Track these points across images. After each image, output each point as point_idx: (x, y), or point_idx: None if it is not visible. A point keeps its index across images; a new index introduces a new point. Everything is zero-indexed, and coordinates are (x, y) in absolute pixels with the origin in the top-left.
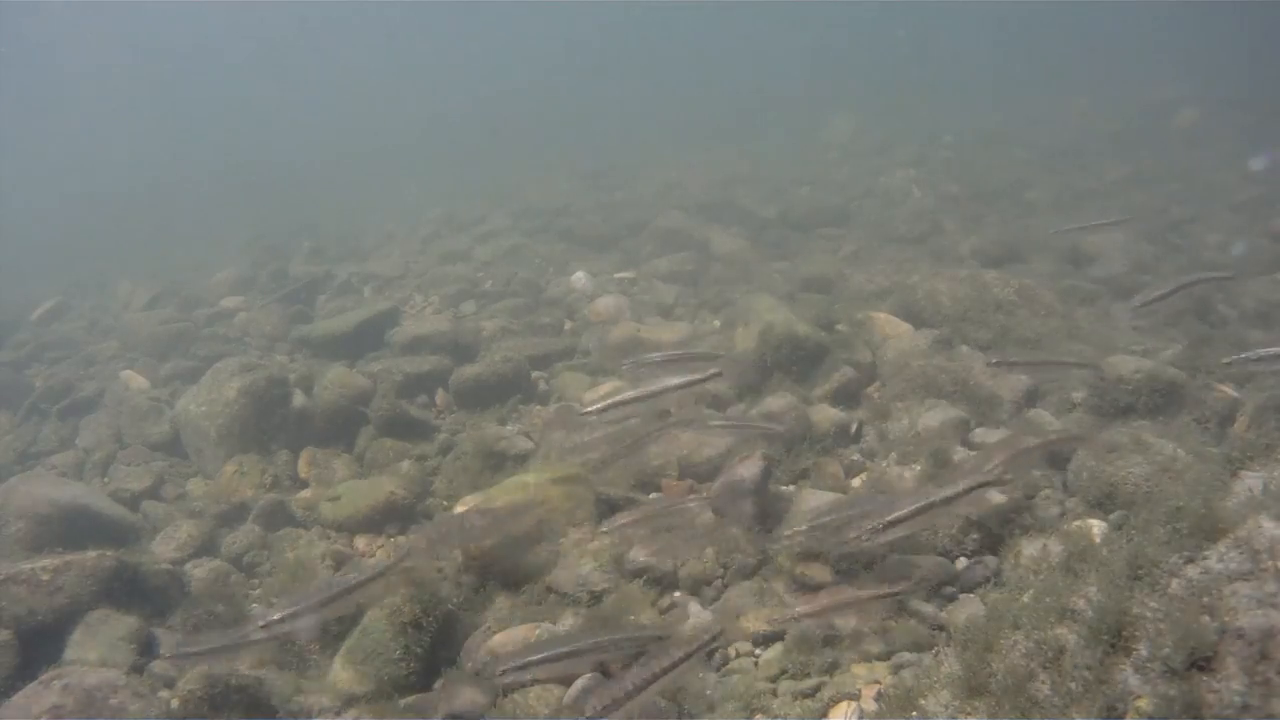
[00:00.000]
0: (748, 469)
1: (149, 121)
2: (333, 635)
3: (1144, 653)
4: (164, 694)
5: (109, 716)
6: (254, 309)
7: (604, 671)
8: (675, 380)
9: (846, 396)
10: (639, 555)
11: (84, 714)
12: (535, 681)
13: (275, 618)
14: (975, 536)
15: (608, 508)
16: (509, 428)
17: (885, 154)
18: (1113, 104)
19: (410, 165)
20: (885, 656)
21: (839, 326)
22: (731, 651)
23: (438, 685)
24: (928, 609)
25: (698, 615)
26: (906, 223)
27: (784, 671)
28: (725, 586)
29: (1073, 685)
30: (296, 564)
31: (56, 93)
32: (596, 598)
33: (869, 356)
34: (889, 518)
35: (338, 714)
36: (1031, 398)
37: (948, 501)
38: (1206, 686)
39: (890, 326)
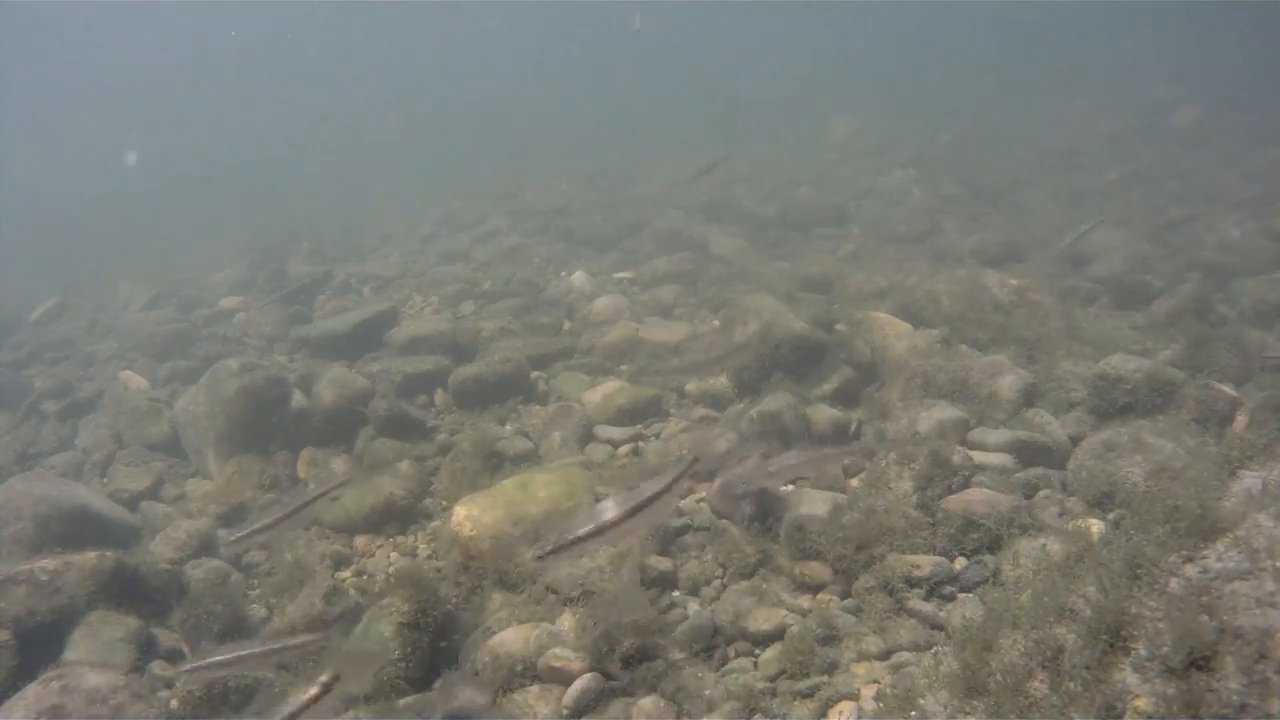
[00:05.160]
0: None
1: (149, 121)
2: None
3: (1143, 652)
4: (163, 694)
5: (109, 717)
6: (253, 309)
7: (604, 673)
8: None
9: (846, 396)
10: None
11: (84, 714)
12: None
13: None
14: (974, 536)
15: None
16: (508, 428)
17: (885, 154)
18: (1112, 104)
19: (409, 165)
20: (884, 656)
21: (839, 326)
22: (730, 651)
23: (437, 685)
24: (927, 608)
25: (696, 614)
26: (906, 222)
27: (783, 671)
28: (725, 586)
29: (1071, 685)
30: (295, 564)
31: (57, 93)
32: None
33: (869, 356)
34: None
35: (337, 714)
36: (1030, 397)
37: None
38: (1205, 686)
39: (890, 326)
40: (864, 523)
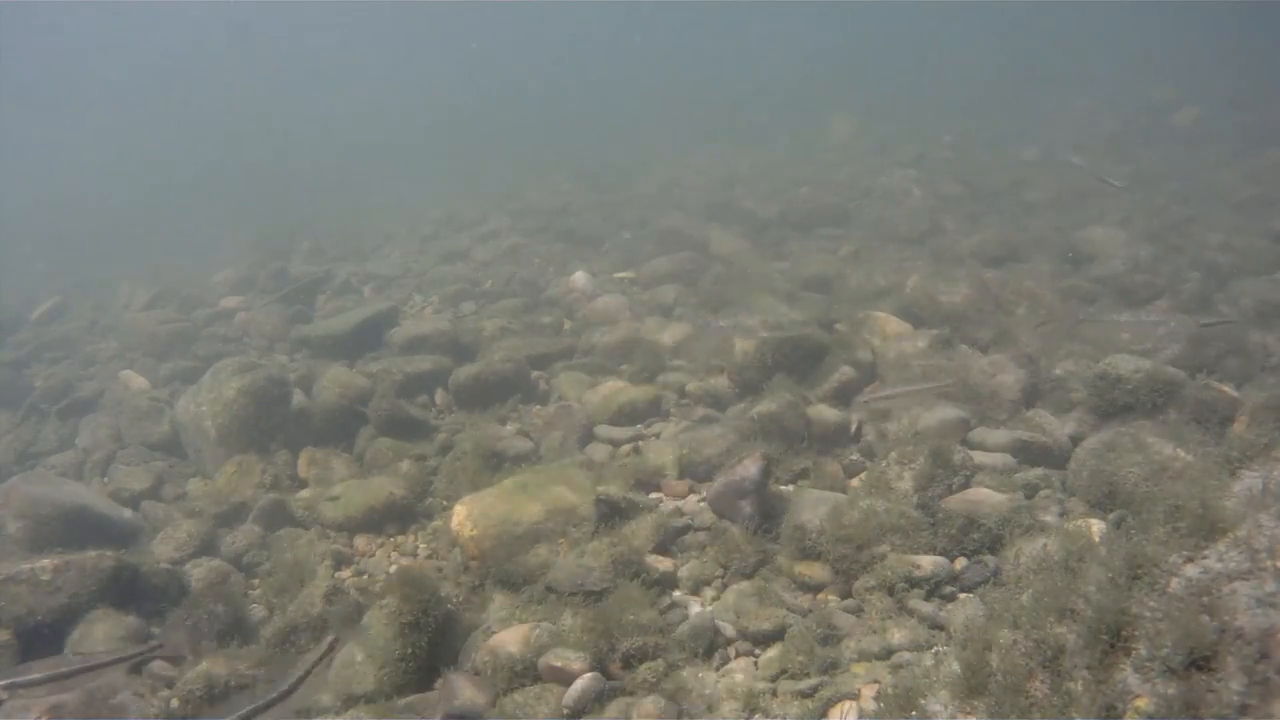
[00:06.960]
0: (747, 469)
1: (149, 121)
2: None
3: (1143, 652)
4: (164, 694)
5: (109, 716)
6: (254, 309)
7: (604, 673)
8: None
9: (846, 396)
10: None
11: (84, 714)
12: None
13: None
14: (975, 536)
15: (608, 508)
16: (508, 427)
17: (885, 154)
18: (1112, 104)
19: (410, 165)
20: (884, 656)
21: (839, 326)
22: (730, 651)
23: (438, 685)
24: (927, 608)
25: (696, 614)
26: (906, 222)
27: (783, 671)
28: (725, 586)
29: (1072, 685)
30: (296, 564)
31: (58, 92)
32: (596, 597)
33: (869, 356)
34: None
35: (337, 714)
36: (1031, 397)
37: None
38: (1206, 686)
39: (890, 326)
40: (865, 523)
